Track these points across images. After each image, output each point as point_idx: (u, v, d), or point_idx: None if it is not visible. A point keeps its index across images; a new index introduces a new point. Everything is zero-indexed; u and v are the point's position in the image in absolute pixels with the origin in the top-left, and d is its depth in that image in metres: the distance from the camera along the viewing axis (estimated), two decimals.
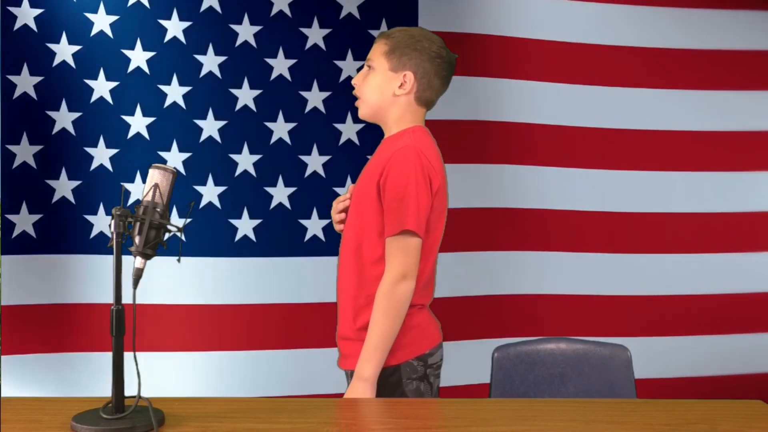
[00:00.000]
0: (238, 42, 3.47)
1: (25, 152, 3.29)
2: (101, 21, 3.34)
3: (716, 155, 3.80)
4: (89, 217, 3.35)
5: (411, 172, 2.01)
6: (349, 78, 3.17)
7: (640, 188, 3.74)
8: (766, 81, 3.83)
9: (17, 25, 3.27)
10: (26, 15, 3.27)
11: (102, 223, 3.36)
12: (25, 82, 3.28)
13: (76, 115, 3.33)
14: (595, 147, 3.72)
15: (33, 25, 3.28)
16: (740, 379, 3.77)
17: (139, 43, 3.37)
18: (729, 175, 3.80)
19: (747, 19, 3.81)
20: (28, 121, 3.29)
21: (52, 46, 3.29)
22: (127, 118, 3.37)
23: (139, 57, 3.38)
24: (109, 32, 3.34)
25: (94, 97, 3.34)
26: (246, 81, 3.47)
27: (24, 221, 3.29)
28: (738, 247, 3.80)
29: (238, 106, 3.47)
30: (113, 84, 3.35)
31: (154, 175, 1.67)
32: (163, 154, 3.40)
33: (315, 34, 3.53)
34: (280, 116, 3.51)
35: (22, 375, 3.23)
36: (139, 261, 1.65)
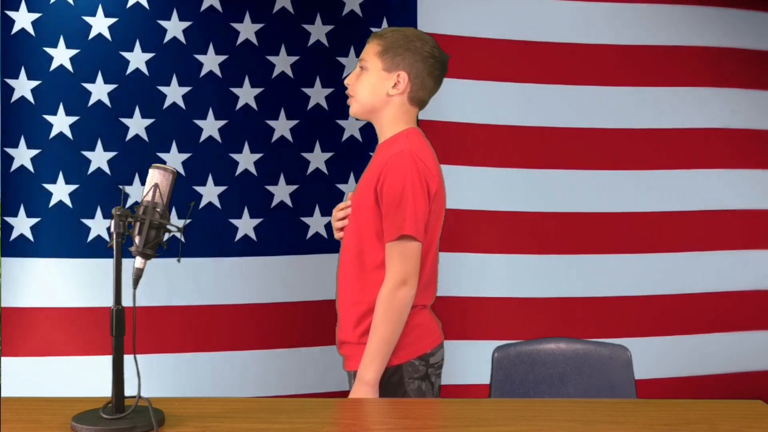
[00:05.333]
0: (239, 40, 3.46)
1: (22, 155, 3.28)
2: (99, 24, 3.33)
3: (714, 153, 3.79)
4: (86, 221, 3.34)
5: (407, 176, 2.02)
6: None
7: (637, 187, 3.73)
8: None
9: (15, 29, 3.27)
10: (23, 19, 3.27)
11: (99, 226, 3.35)
12: (23, 86, 3.27)
13: (74, 119, 3.32)
14: (592, 147, 3.71)
15: (30, 29, 3.27)
16: (740, 378, 3.76)
17: (138, 45, 3.37)
18: (727, 173, 3.79)
19: (748, 18, 3.82)
20: (26, 125, 3.28)
21: (49, 50, 3.29)
22: (125, 121, 3.36)
23: (138, 58, 3.37)
24: (107, 35, 3.34)
25: (91, 101, 3.33)
26: (247, 79, 3.47)
27: (22, 224, 3.28)
28: (737, 245, 3.79)
29: (239, 104, 3.47)
30: (111, 87, 3.35)
31: (154, 175, 1.67)
32: (162, 155, 3.39)
33: (317, 31, 3.53)
34: (282, 114, 3.51)
35: (21, 377, 3.23)
36: (139, 261, 1.65)
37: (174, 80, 3.40)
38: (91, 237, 3.35)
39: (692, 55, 3.78)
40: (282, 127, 3.51)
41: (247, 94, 3.47)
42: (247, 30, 3.47)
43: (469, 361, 3.33)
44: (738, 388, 3.72)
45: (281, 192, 3.51)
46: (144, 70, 3.37)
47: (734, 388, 3.72)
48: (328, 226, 3.51)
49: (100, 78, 3.34)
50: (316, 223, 3.53)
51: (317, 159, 3.53)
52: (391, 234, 2.02)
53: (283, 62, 3.50)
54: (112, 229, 1.62)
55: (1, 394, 3.07)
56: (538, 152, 3.68)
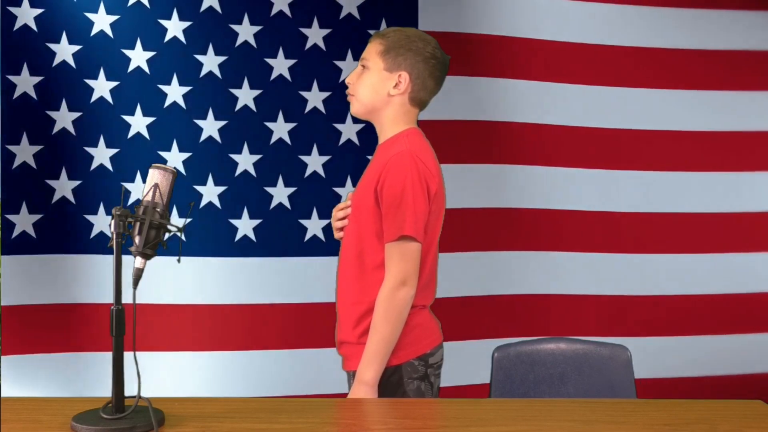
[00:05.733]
0: (238, 42, 3.46)
1: (25, 152, 3.28)
2: (101, 21, 3.33)
3: (716, 155, 3.79)
4: (89, 217, 3.35)
5: (407, 177, 2.02)
6: None
7: (639, 188, 3.74)
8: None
9: (17, 25, 3.27)
10: (26, 15, 3.27)
11: (102, 223, 3.36)
12: (26, 82, 3.27)
13: (76, 115, 3.32)
14: (595, 147, 3.71)
15: (33, 25, 3.28)
16: (740, 379, 3.77)
17: (139, 43, 3.37)
18: (729, 175, 3.80)
19: (750, 19, 3.81)
20: (28, 121, 3.29)
21: (52, 45, 3.29)
22: (127, 118, 3.37)
23: (139, 57, 3.37)
24: (109, 32, 3.34)
25: (94, 97, 3.34)
26: (246, 81, 3.47)
27: (24, 221, 3.28)
28: (738, 247, 3.79)
29: (238, 106, 3.47)
30: (113, 84, 3.35)
31: (154, 175, 1.67)
32: (163, 153, 3.40)
33: (315, 34, 3.53)
34: (280, 116, 3.51)
35: (22, 375, 3.23)
36: (139, 261, 1.65)
37: (175, 79, 3.40)
38: (93, 233, 3.35)
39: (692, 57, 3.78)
40: (280, 129, 3.51)
41: (246, 96, 3.47)
42: (245, 32, 3.47)
43: (469, 361, 3.32)
44: (738, 389, 3.72)
45: (280, 194, 3.51)
46: (145, 68, 3.37)
47: (734, 390, 3.72)
48: (326, 229, 3.51)
49: (102, 75, 3.34)
50: (313, 226, 3.54)
51: (314, 162, 3.54)
52: (391, 234, 2.03)
53: (280, 65, 3.50)
54: (112, 228, 1.62)
55: (1, 393, 3.08)
56: (539, 149, 3.67)
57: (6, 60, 3.25)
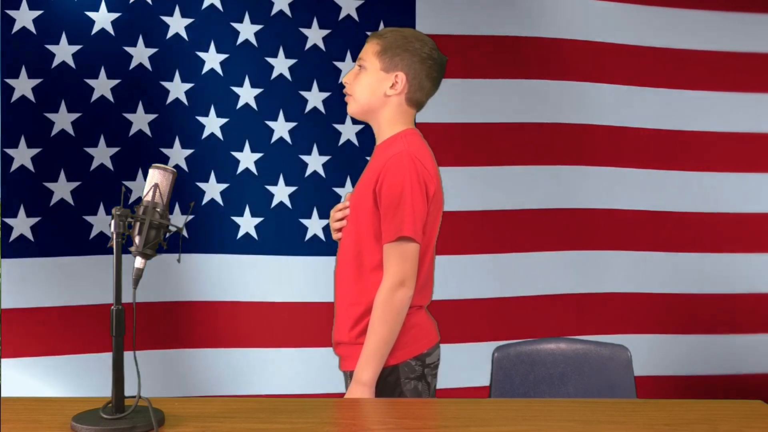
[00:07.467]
0: (240, 40, 3.46)
1: (22, 156, 3.27)
2: (102, 19, 3.32)
3: (717, 156, 3.79)
4: (89, 218, 3.34)
5: (406, 178, 2.02)
6: None
7: (639, 187, 3.73)
8: None
9: (15, 29, 3.25)
10: (25, 17, 3.25)
11: (102, 223, 3.35)
12: (24, 85, 3.26)
13: (76, 115, 3.31)
14: (594, 145, 3.71)
15: (32, 27, 3.26)
16: (740, 379, 3.77)
17: (141, 40, 3.36)
18: (730, 176, 3.79)
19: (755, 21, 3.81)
20: (26, 125, 3.27)
21: (51, 47, 3.28)
22: (128, 116, 3.36)
23: (141, 54, 3.36)
24: (110, 30, 3.33)
25: (94, 96, 3.33)
26: (247, 79, 3.47)
27: (22, 225, 3.27)
28: (738, 248, 3.79)
29: (240, 103, 3.47)
30: (115, 82, 3.34)
31: (154, 175, 1.67)
32: (165, 150, 3.39)
33: (315, 35, 3.53)
34: (281, 115, 3.51)
35: (22, 378, 3.23)
36: (139, 261, 1.65)
37: (177, 76, 3.40)
38: (93, 234, 3.35)
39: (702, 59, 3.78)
40: (281, 128, 3.51)
41: (247, 94, 3.47)
42: (246, 30, 3.47)
43: (467, 363, 3.32)
44: (738, 389, 3.72)
45: (281, 193, 3.51)
46: (147, 65, 3.37)
47: (734, 390, 3.72)
48: (326, 229, 3.51)
49: (102, 74, 3.33)
50: (314, 225, 3.54)
51: (315, 162, 3.54)
52: (389, 235, 2.03)
53: (281, 64, 3.50)
54: (112, 228, 1.62)
55: (1, 394, 3.08)
56: (535, 149, 3.67)
57: (4, 64, 3.24)
